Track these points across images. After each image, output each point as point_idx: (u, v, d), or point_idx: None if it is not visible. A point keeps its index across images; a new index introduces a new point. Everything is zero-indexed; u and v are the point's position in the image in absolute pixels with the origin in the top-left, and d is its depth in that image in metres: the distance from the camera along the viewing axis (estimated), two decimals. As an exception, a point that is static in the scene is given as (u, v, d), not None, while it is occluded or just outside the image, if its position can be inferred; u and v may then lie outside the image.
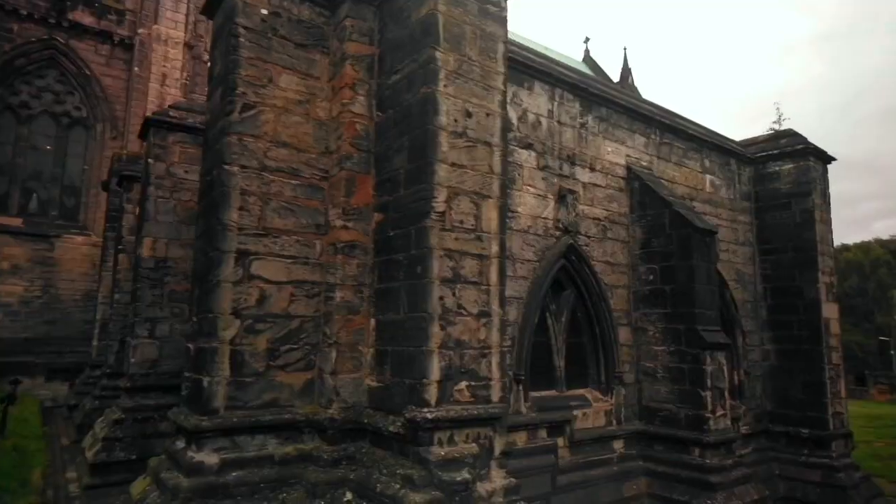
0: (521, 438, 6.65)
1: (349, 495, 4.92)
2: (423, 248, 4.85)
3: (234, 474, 4.86)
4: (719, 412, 7.57)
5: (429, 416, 4.55)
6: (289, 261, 5.49)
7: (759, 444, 10.19)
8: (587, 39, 44.68)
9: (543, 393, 7.29)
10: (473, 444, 4.85)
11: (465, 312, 5.00)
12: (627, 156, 8.73)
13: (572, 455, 7.16)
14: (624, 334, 8.19)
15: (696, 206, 9.69)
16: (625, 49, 57.45)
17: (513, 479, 5.03)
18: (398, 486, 4.53)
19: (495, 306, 5.23)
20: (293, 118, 5.69)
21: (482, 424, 4.94)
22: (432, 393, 4.68)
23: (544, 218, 7.43)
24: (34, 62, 20.60)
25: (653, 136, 9.20)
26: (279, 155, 5.58)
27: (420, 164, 5.03)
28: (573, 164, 7.92)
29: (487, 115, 5.43)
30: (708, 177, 10.21)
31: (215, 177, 5.36)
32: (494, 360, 5.14)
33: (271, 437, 5.18)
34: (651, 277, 8.21)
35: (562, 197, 7.63)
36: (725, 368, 7.84)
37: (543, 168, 7.52)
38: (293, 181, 5.63)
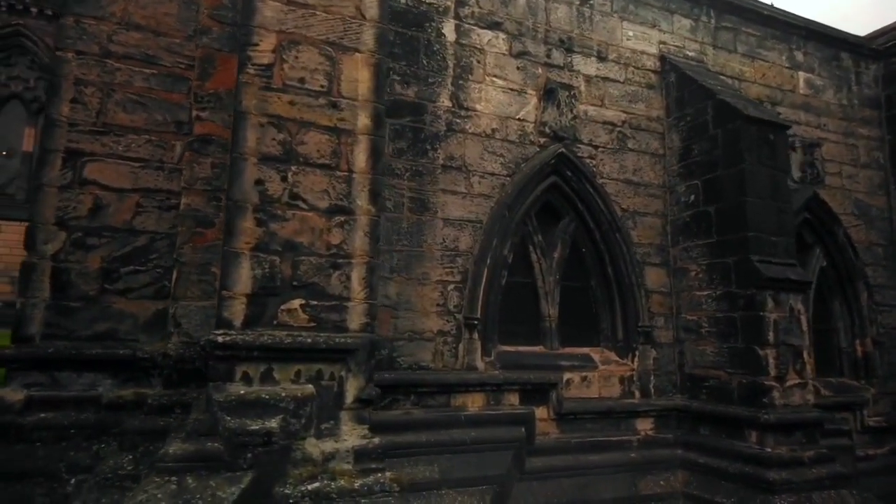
0: (474, 402, 4.96)
1: (167, 451, 3.72)
2: (237, 113, 3.52)
3: (41, 415, 3.93)
4: (791, 380, 5.16)
5: (220, 339, 3.20)
6: (136, 164, 4.47)
7: (901, 444, 7.20)
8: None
9: (524, 348, 5.50)
10: (308, 385, 3.39)
11: (303, 205, 3.57)
12: (662, 43, 6.53)
13: (561, 431, 5.27)
14: (656, 277, 6.04)
15: (781, 113, 7.09)
16: None
17: (375, 440, 3.48)
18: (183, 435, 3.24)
19: (362, 201, 3.71)
20: (149, -5, 4.69)
21: (325, 359, 3.47)
22: (237, 310, 3.33)
23: (520, 119, 5.64)
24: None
25: (703, 19, 6.84)
26: (130, 39, 4.59)
27: (245, 3, 3.71)
28: (570, 50, 6.00)
29: (353, -60, 3.94)
30: (802, 74, 7.47)
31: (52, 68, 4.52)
32: (356, 273, 3.64)
33: (105, 376, 4.17)
34: (692, 198, 5.96)
35: (549, 92, 5.76)
36: (804, 318, 5.36)
37: (520, 55, 5.73)
38: (147, 70, 4.61)
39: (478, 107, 5.45)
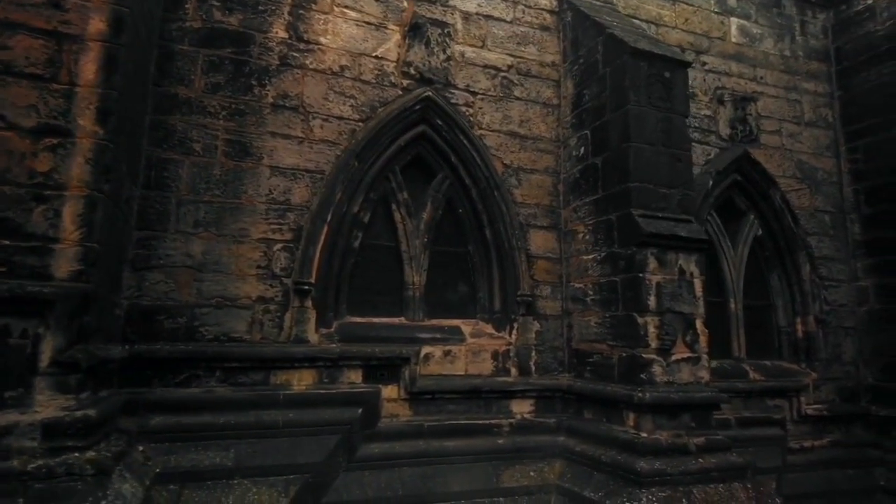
0: (301, 379, 4.26)
1: None
2: (-85, 12, 2.86)
3: None
4: (679, 354, 4.39)
5: None
6: None
7: (847, 436, 6.36)
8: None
9: (380, 320, 4.79)
10: (-15, 345, 2.72)
11: (1, 123, 2.89)
12: (561, -19, 5.79)
13: (414, 413, 4.55)
14: (542, 241, 5.29)
15: (708, 63, 6.32)
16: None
17: (78, 413, 2.79)
18: None
19: (85, 121, 3.03)
20: None
21: (14, 312, 2.78)
22: None
23: (377, 57, 4.93)
24: None
25: (613, -46, 6.08)
26: None
27: None
28: (443, -16, 5.28)
29: None
30: (734, 21, 6.67)
31: None
32: (70, 209, 2.95)
33: None
34: (582, 151, 5.21)
35: (415, 28, 5.05)
36: (698, 282, 4.59)
37: (379, -14, 5.02)
38: None
39: (323, 40, 4.74)
